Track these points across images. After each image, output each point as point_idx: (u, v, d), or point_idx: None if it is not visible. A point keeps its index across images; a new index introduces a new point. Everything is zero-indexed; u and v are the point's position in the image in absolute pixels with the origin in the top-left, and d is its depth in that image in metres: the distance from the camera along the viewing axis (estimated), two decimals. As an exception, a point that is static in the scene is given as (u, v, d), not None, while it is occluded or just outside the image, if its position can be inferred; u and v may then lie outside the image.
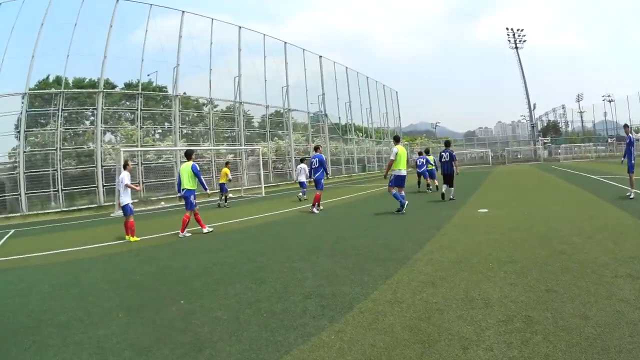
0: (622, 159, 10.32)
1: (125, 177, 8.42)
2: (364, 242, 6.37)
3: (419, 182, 15.89)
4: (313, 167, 11.29)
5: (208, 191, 8.77)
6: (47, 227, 12.30)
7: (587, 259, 4.60)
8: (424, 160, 15.32)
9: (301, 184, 15.60)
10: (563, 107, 71.00)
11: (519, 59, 62.34)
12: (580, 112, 65.96)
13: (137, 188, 8.98)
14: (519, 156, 58.46)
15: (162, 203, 17.63)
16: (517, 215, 8.15)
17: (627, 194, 9.47)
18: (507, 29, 62.74)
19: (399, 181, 9.50)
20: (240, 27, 25.93)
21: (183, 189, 8.45)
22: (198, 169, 8.51)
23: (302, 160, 16.72)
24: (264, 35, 28.30)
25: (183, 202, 9.01)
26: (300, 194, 14.91)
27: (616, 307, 3.13)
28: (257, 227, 9.12)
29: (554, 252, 5.04)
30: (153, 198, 18.24)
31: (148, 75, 20.47)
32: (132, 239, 8.09)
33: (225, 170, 14.96)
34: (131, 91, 20.37)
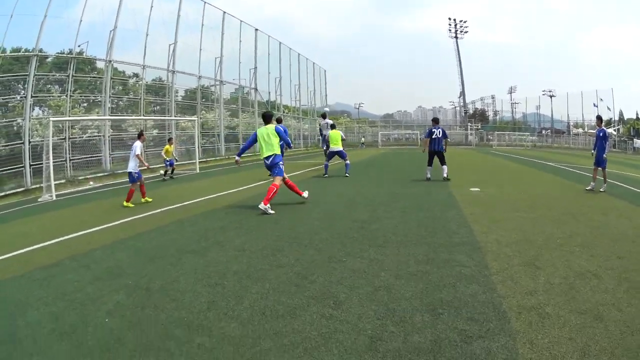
0: (592, 151, 9.41)
1: (137, 146, 8.60)
2: (391, 225, 5.56)
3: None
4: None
5: (292, 146, 8.55)
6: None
7: (621, 231, 5.16)
8: None
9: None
10: (493, 97, 74.81)
11: (458, 48, 63.28)
12: (513, 102, 71.19)
13: (146, 165, 9.17)
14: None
15: (91, 183, 15.02)
16: (517, 195, 8.36)
17: (601, 189, 8.80)
18: (449, 19, 62.63)
19: (332, 154, 13.04)
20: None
21: (269, 156, 7.12)
22: (282, 130, 7.65)
23: None
24: (205, 2, 26.43)
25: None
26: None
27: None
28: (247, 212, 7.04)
29: (592, 228, 5.39)
30: (80, 178, 15.47)
31: (79, 46, 17.53)
32: (126, 204, 8.22)
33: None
34: (66, 55, 17.25)
